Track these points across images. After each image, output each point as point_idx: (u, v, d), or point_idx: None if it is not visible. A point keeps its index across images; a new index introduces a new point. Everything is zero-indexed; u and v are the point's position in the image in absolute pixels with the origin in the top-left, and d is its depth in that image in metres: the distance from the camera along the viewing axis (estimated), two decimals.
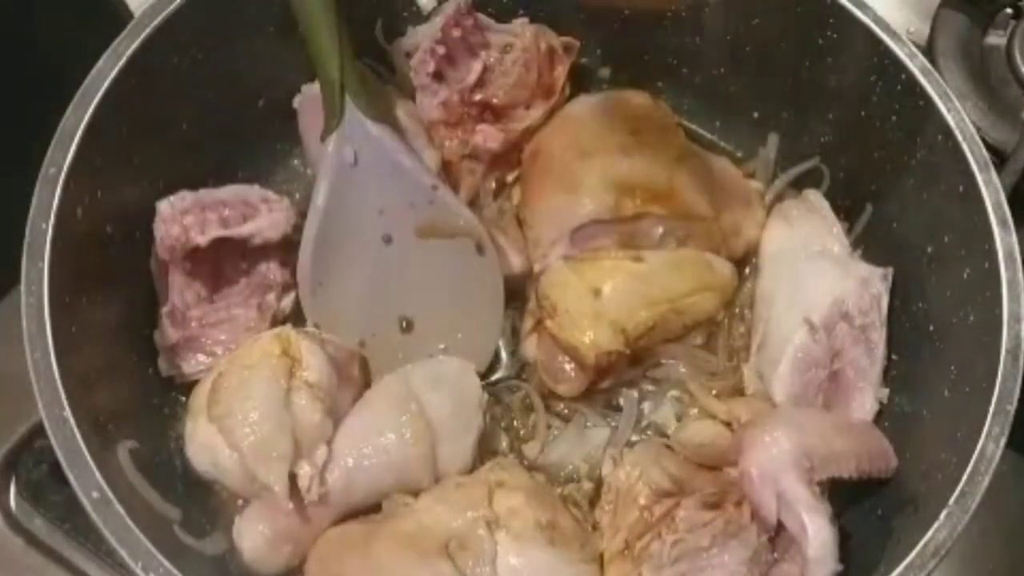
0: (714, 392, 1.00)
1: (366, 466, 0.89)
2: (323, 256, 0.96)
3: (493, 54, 1.06)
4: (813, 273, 1.00)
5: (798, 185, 1.11)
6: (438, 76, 1.05)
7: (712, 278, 1.02)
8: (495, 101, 1.06)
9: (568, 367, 0.98)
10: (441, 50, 1.03)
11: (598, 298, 0.97)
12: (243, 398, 0.85)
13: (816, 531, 0.83)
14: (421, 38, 1.05)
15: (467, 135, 1.06)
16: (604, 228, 1.02)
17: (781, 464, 0.85)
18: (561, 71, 1.09)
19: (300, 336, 0.90)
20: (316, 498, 0.85)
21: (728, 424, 0.93)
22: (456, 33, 1.03)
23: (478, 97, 1.06)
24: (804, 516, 0.83)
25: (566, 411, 1.01)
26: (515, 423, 1.00)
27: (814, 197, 1.07)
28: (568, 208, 1.03)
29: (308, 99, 1.04)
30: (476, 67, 1.06)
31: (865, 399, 0.97)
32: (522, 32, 1.06)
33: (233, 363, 0.87)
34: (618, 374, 1.00)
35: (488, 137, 1.06)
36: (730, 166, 1.10)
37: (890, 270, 0.99)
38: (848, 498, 0.92)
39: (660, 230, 1.02)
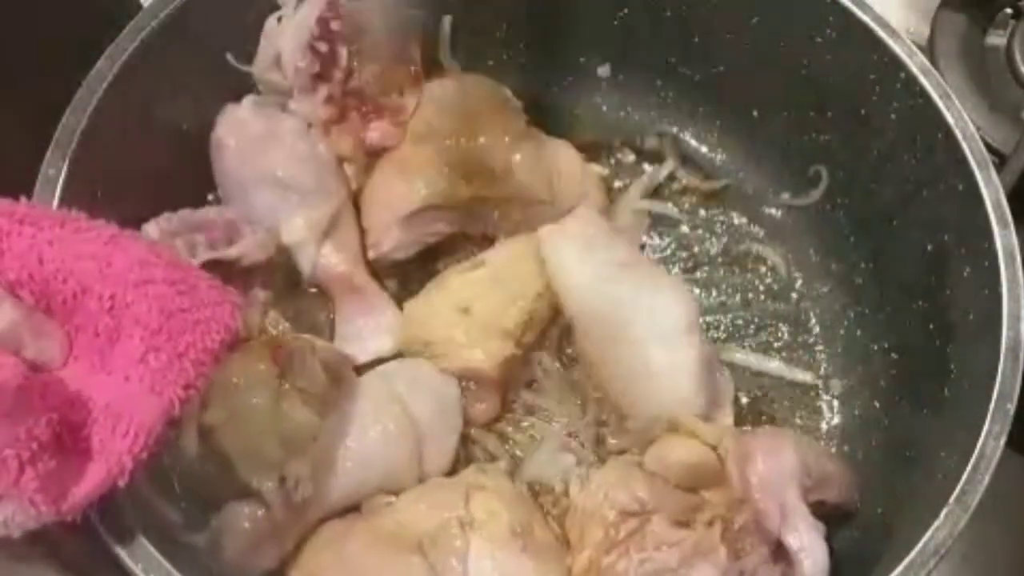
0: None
1: (350, 467, 0.89)
2: None
3: (355, 39, 1.01)
4: (652, 283, 0.97)
5: (796, 188, 1.11)
6: (318, 75, 1.00)
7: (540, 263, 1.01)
8: (367, 89, 1.02)
9: (474, 388, 0.98)
10: (323, 47, 0.98)
11: (469, 314, 0.97)
12: (232, 405, 0.84)
13: (813, 547, 0.83)
14: (287, 39, 0.99)
15: (360, 132, 1.02)
16: (439, 214, 1.02)
17: (787, 478, 0.85)
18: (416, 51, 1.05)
19: (291, 342, 0.90)
20: (302, 501, 0.85)
21: (714, 447, 0.90)
22: (335, 26, 0.98)
23: (351, 86, 1.01)
24: (804, 532, 0.83)
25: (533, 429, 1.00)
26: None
27: (583, 212, 1.03)
28: (402, 194, 1.01)
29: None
30: (343, 54, 1.00)
31: (725, 388, 0.98)
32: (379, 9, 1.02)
33: (223, 370, 0.86)
34: (518, 379, 1.00)
35: (385, 134, 1.03)
36: (571, 150, 1.08)
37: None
38: None
39: (496, 214, 1.03)
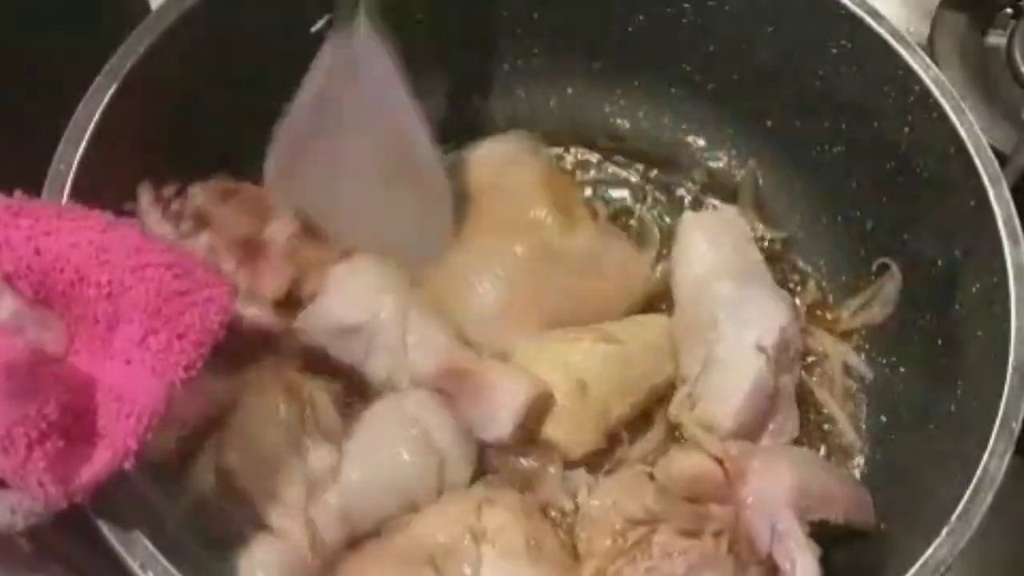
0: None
1: (372, 495, 0.88)
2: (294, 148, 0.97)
3: None
4: (754, 296, 0.97)
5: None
6: None
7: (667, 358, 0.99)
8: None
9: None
10: None
11: (584, 396, 0.94)
12: (253, 450, 0.85)
13: (804, 571, 0.82)
14: None
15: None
16: None
17: (781, 498, 0.84)
18: None
19: (308, 382, 0.90)
20: (328, 538, 0.85)
21: (720, 461, 0.90)
22: None
23: None
24: (796, 554, 0.82)
25: None
26: None
27: (731, 214, 1.04)
28: None
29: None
30: None
31: (787, 423, 0.96)
32: None
33: (240, 412, 0.87)
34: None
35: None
36: (626, 246, 1.07)
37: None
38: None
39: None
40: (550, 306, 1.00)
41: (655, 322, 1.01)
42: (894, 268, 1.02)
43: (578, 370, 0.95)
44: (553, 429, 0.93)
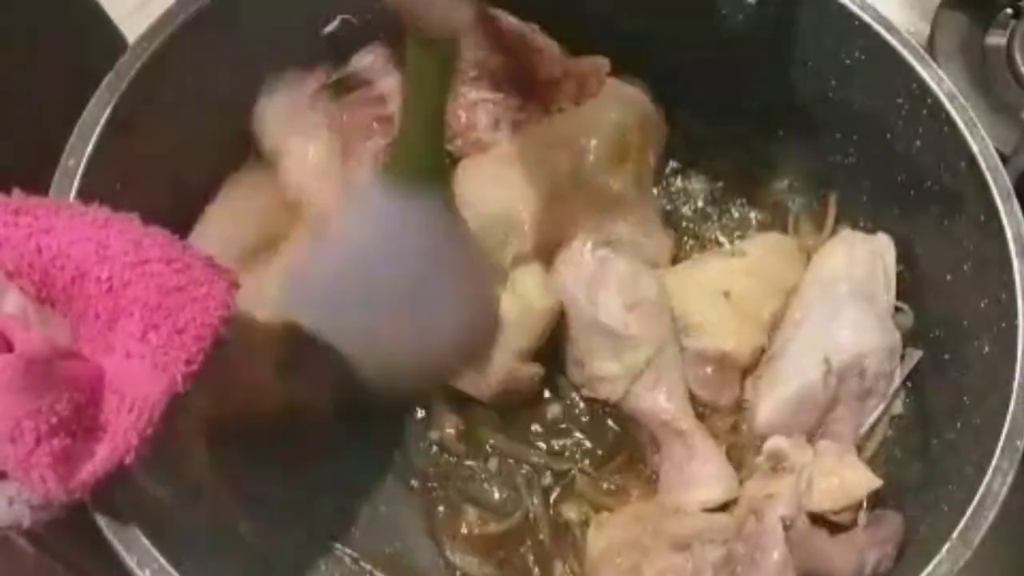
0: None
1: None
2: None
3: None
4: (853, 316, 0.96)
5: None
6: None
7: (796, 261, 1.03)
8: None
9: (710, 372, 0.97)
10: None
11: (729, 299, 0.97)
12: None
13: None
14: None
15: None
16: None
17: None
18: None
19: None
20: None
21: None
22: None
23: None
24: None
25: None
26: None
27: (885, 243, 1.02)
28: None
29: None
30: None
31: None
32: None
33: None
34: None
35: None
36: None
37: (918, 354, 0.97)
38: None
39: None
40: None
41: (770, 236, 1.06)
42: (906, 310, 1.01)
43: (720, 281, 0.98)
44: (721, 343, 0.95)
